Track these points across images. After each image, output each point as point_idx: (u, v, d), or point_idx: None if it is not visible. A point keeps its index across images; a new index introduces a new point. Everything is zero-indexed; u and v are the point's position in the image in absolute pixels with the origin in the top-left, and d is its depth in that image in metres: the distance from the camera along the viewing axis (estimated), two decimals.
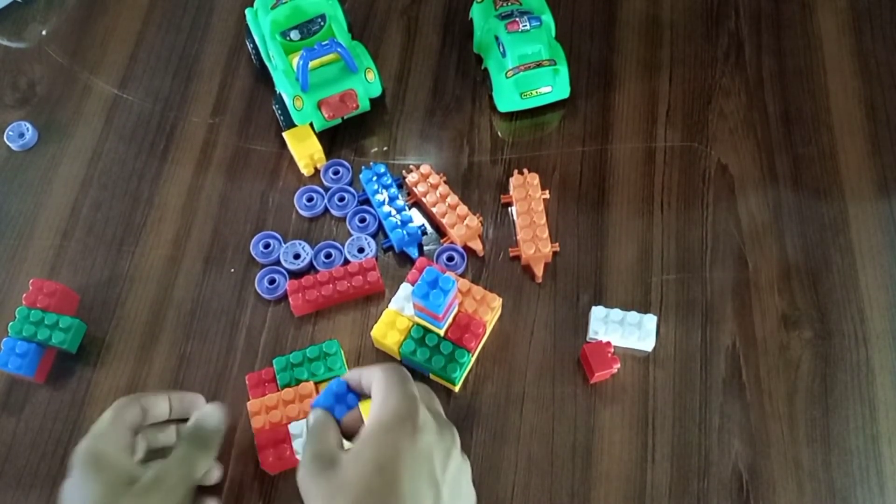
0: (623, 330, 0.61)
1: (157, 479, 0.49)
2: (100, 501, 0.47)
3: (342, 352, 0.61)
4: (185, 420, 0.55)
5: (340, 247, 0.67)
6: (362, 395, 0.49)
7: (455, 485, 0.44)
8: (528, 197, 0.67)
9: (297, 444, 0.56)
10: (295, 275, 0.66)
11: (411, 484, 0.42)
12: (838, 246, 0.67)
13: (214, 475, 0.54)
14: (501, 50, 0.71)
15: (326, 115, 0.69)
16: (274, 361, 0.60)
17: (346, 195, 0.69)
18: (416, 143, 0.73)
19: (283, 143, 0.71)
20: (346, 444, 0.48)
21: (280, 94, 0.70)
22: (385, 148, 0.72)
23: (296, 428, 0.57)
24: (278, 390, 0.59)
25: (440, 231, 0.68)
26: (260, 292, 0.65)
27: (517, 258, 0.67)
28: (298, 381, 0.59)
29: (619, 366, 0.60)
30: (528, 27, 0.70)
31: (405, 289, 0.63)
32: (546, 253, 0.65)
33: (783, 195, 0.69)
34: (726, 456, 0.59)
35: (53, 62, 0.78)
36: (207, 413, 0.54)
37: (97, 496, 0.47)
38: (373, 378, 0.47)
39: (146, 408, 0.53)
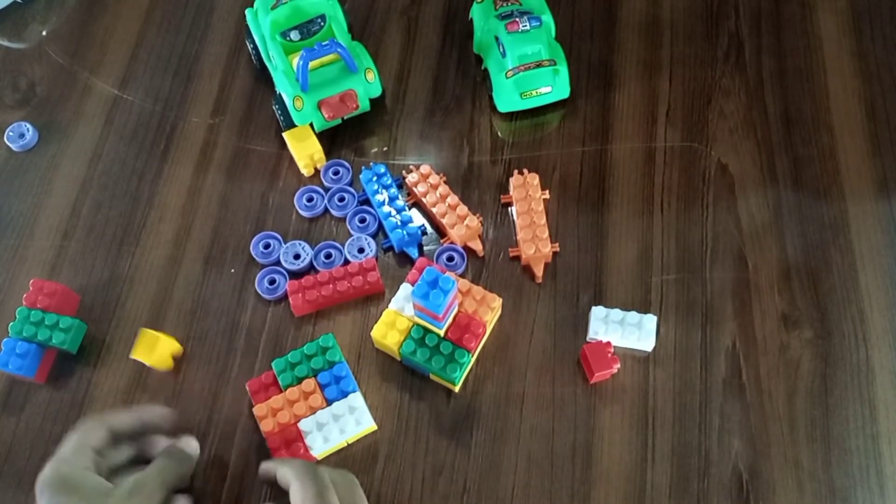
0: (623, 330, 0.61)
1: (136, 484, 0.50)
2: None
3: (338, 344, 0.61)
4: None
5: (340, 247, 0.67)
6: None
7: None
8: (528, 197, 0.67)
9: (310, 440, 0.57)
10: (295, 275, 0.66)
11: None
12: (838, 246, 0.67)
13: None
14: (501, 50, 0.71)
15: (326, 116, 0.69)
16: (273, 364, 0.60)
17: (346, 195, 0.69)
18: (416, 143, 0.73)
19: (283, 144, 0.71)
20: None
21: (280, 94, 0.70)
22: (385, 148, 0.72)
23: (306, 425, 0.57)
24: (281, 392, 0.59)
25: (440, 231, 0.68)
26: (260, 292, 0.65)
27: (517, 258, 0.67)
28: (300, 380, 0.59)
29: (619, 366, 0.60)
30: (528, 27, 0.70)
31: (405, 289, 0.63)
32: (546, 253, 0.65)
33: (783, 195, 0.69)
34: (726, 456, 0.59)
35: (53, 62, 0.78)
36: (186, 440, 0.56)
37: None
38: (288, 474, 0.51)
39: (112, 426, 0.54)
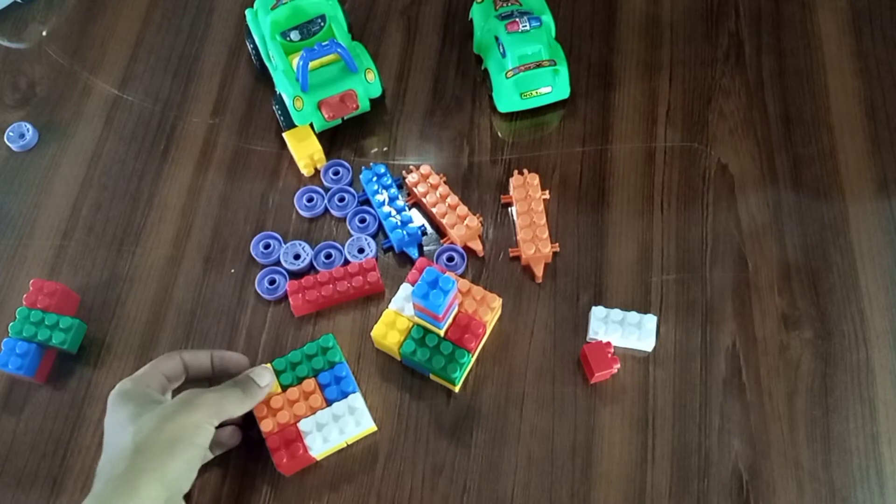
0: (623, 330, 0.61)
1: (186, 399, 0.52)
2: (126, 419, 0.51)
3: (338, 344, 0.61)
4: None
5: (340, 247, 0.67)
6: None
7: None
8: (528, 197, 0.67)
9: (310, 440, 0.57)
10: (295, 275, 0.66)
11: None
12: (838, 246, 0.66)
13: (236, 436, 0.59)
14: (501, 50, 0.71)
15: (326, 116, 0.69)
16: (273, 364, 0.60)
17: (346, 195, 0.69)
18: (416, 144, 0.73)
19: (283, 144, 0.71)
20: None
21: (280, 94, 0.70)
22: (385, 148, 0.72)
23: (306, 425, 0.57)
24: (281, 391, 0.59)
25: (440, 231, 0.68)
26: (260, 293, 0.65)
27: (517, 258, 0.67)
28: (300, 380, 0.59)
29: (619, 366, 0.60)
30: (528, 27, 0.70)
31: (405, 289, 0.63)
32: (546, 253, 0.65)
33: (783, 195, 0.69)
34: (726, 456, 0.59)
35: (53, 62, 0.78)
36: (259, 370, 0.57)
37: (125, 416, 0.52)
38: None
39: (187, 362, 0.57)
